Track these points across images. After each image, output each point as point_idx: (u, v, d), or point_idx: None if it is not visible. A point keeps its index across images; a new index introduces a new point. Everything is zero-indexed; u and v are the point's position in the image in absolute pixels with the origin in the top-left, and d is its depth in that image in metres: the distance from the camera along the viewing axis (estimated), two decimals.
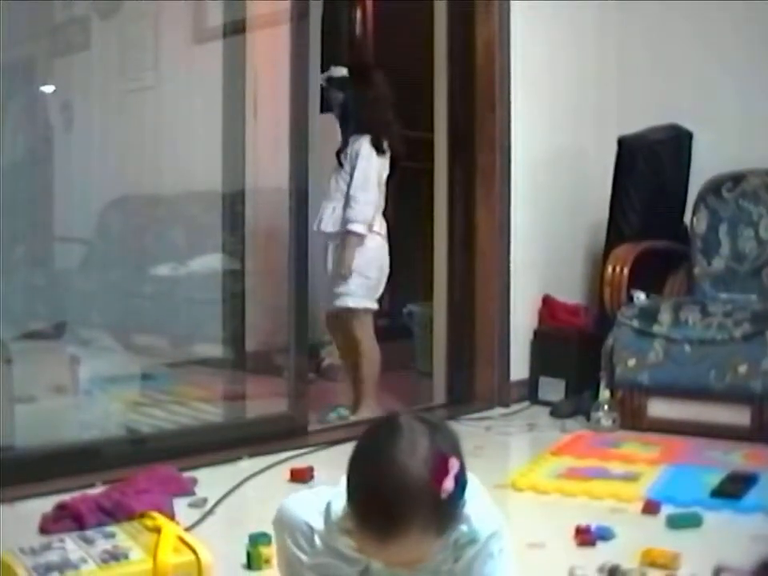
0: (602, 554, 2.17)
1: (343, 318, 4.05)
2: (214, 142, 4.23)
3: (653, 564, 2.16)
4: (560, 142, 4.56)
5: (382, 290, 4.04)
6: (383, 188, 4.00)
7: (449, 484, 1.49)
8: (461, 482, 1.53)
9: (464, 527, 1.59)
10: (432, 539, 1.53)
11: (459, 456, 1.54)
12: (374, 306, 4.03)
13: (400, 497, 1.47)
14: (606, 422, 3.77)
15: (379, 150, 3.95)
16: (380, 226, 3.99)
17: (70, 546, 1.78)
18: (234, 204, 4.30)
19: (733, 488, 2.79)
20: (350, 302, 3.96)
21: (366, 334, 4.02)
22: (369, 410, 3.97)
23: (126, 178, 4.90)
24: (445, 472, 1.49)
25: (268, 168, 4.26)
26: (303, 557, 1.73)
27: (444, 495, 1.49)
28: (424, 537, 1.51)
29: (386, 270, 4.02)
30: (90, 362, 4.07)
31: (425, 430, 1.54)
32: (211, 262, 4.55)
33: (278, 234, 3.93)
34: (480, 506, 1.62)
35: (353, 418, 3.96)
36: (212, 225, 4.47)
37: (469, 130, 4.30)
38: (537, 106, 4.41)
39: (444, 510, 1.51)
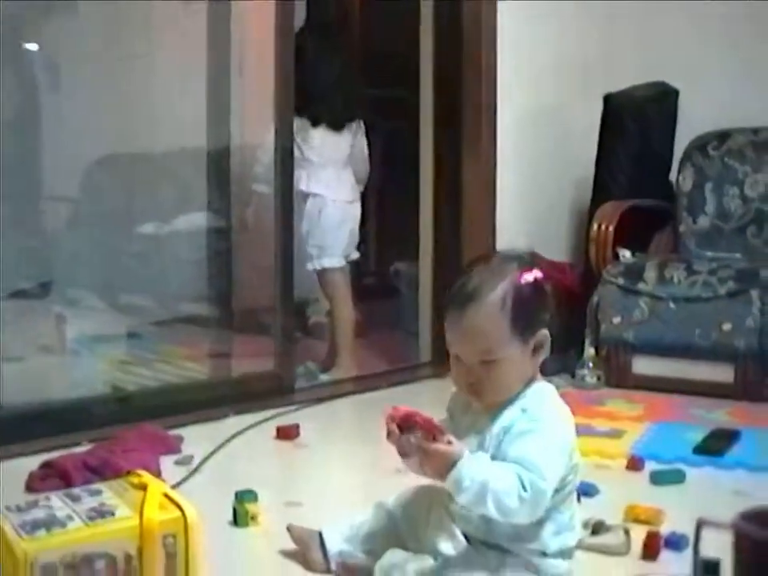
0: (587, 509, 2.18)
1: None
2: (199, 98, 4.20)
3: (636, 519, 2.18)
4: (545, 99, 4.53)
5: (342, 246, 4.03)
6: None
7: (529, 276, 1.66)
8: (541, 290, 1.69)
9: (520, 410, 1.73)
10: (501, 328, 1.64)
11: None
12: (339, 263, 4.03)
13: (485, 271, 1.68)
14: (590, 379, 3.79)
15: None
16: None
17: (57, 503, 1.78)
18: (219, 161, 4.27)
19: (716, 445, 2.82)
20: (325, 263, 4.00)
21: (336, 292, 4.04)
22: (342, 370, 3.98)
23: (110, 137, 4.86)
24: (529, 270, 1.67)
25: (254, 125, 4.23)
26: None
27: (523, 282, 1.65)
28: (495, 317, 1.64)
29: (347, 228, 4.03)
30: (76, 321, 4.07)
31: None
32: (197, 219, 4.53)
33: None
34: (542, 402, 1.79)
35: (323, 377, 3.96)
36: (197, 182, 4.44)
37: (454, 90, 4.27)
38: (522, 64, 4.37)
39: (519, 298, 1.65)
